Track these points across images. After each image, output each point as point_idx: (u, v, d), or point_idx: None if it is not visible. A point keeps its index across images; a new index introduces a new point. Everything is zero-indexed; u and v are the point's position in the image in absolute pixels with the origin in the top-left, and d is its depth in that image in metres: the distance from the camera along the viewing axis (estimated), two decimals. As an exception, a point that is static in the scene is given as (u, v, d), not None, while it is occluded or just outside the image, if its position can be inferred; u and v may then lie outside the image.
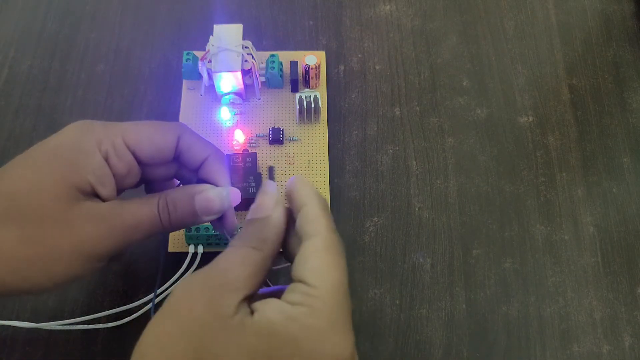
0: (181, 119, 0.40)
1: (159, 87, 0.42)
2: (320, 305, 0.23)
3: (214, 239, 0.35)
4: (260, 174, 0.37)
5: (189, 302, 0.23)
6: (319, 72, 0.41)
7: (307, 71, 0.40)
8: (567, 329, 0.35)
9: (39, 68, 0.42)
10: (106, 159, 0.27)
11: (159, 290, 0.34)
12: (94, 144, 0.27)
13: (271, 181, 0.29)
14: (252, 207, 0.27)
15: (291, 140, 0.40)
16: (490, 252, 0.37)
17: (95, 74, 0.42)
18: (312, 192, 0.27)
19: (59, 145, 0.27)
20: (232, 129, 0.40)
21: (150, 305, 0.34)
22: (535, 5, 0.46)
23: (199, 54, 0.41)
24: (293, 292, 0.23)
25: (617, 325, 0.35)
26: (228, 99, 0.40)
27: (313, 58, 0.40)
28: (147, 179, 0.30)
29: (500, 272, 0.37)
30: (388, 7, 0.46)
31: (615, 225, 0.38)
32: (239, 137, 0.39)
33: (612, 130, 0.41)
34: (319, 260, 0.24)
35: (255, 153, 0.38)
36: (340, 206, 0.38)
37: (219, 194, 0.29)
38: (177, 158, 0.30)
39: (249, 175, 0.37)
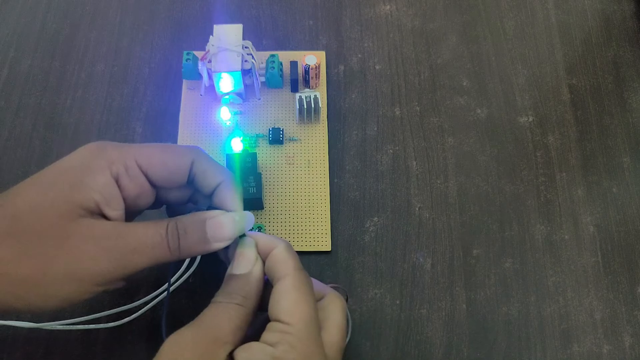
0: (181, 119, 0.40)
1: (159, 87, 0.42)
2: (296, 341, 0.25)
3: None
4: (260, 174, 0.37)
5: (181, 357, 0.24)
6: (319, 72, 0.41)
7: (307, 71, 0.40)
8: (567, 329, 0.35)
9: (39, 68, 0.42)
10: (117, 180, 0.27)
11: (158, 291, 0.34)
12: (104, 164, 0.27)
13: (249, 237, 0.29)
14: (233, 263, 0.28)
15: (291, 140, 0.40)
16: (490, 252, 0.37)
17: (95, 74, 0.42)
18: (274, 236, 0.29)
19: (69, 166, 0.27)
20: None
21: (154, 302, 0.34)
22: (535, 5, 0.46)
23: (199, 54, 0.41)
24: (271, 332, 0.25)
25: (617, 325, 0.35)
26: (228, 99, 0.40)
27: (313, 58, 0.40)
28: (163, 201, 0.30)
29: (500, 272, 0.37)
30: (388, 7, 0.46)
31: (615, 225, 0.38)
32: (236, 146, 0.39)
33: (612, 130, 0.41)
34: (290, 298, 0.26)
35: (255, 153, 0.38)
36: (340, 206, 0.38)
37: (231, 219, 0.28)
38: (191, 182, 0.29)
39: (249, 175, 0.37)
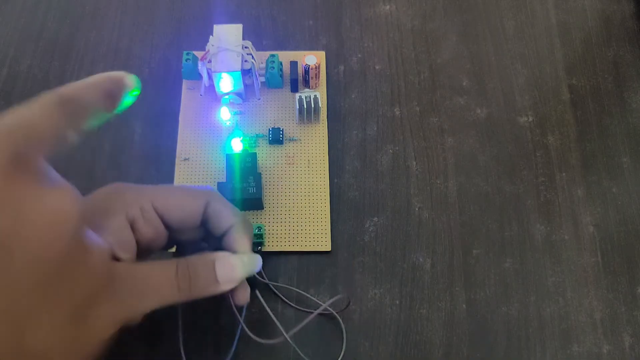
0: (181, 119, 0.40)
1: (159, 87, 0.42)
2: None
3: None
4: (260, 174, 0.37)
5: None
6: (319, 72, 0.41)
7: (307, 71, 0.40)
8: (567, 329, 0.35)
9: (39, 68, 0.42)
10: (132, 223, 0.27)
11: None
12: (120, 207, 0.27)
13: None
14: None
15: (291, 140, 0.40)
16: (490, 252, 0.37)
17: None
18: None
19: (87, 208, 0.26)
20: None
21: None
22: (535, 5, 0.46)
23: (198, 54, 0.41)
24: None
25: (617, 325, 0.35)
26: (228, 99, 0.40)
27: (313, 58, 0.40)
28: (175, 242, 0.30)
29: (500, 272, 0.37)
30: (388, 7, 0.46)
31: (615, 225, 0.38)
32: (236, 146, 0.39)
33: (612, 130, 0.41)
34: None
35: (255, 153, 0.38)
36: (340, 206, 0.38)
37: (240, 260, 0.28)
38: (204, 223, 0.29)
39: (249, 175, 0.37)
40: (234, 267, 0.28)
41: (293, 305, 0.35)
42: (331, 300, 0.33)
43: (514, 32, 0.45)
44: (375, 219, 0.38)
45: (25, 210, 0.20)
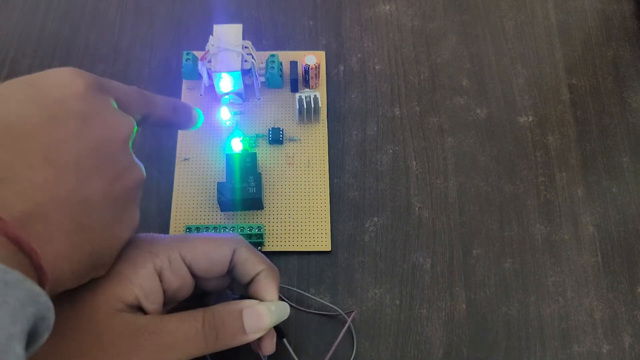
0: (181, 119, 0.40)
1: (159, 87, 0.42)
2: None
3: None
4: (260, 174, 0.37)
5: None
6: (319, 72, 0.41)
7: (306, 71, 0.40)
8: (567, 329, 0.35)
9: (39, 68, 0.42)
10: (160, 273, 0.27)
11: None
12: (147, 257, 0.26)
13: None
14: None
15: (291, 140, 0.40)
16: (490, 252, 0.37)
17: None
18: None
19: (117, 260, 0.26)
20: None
21: None
22: (535, 5, 0.46)
23: (198, 54, 0.41)
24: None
25: (617, 325, 0.35)
26: (228, 99, 0.40)
27: (313, 58, 0.40)
28: (201, 291, 0.30)
29: (500, 272, 0.37)
30: (388, 7, 0.46)
31: (615, 225, 0.38)
32: (236, 146, 0.39)
33: (612, 130, 0.41)
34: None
35: (255, 153, 0.38)
36: (340, 206, 0.38)
37: (268, 309, 0.28)
38: (230, 270, 0.29)
39: (249, 175, 0.37)
40: (262, 316, 0.27)
41: (294, 305, 0.35)
42: (350, 314, 0.33)
43: (514, 32, 0.45)
44: (375, 219, 0.38)
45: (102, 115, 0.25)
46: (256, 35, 0.44)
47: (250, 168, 0.37)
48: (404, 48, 0.44)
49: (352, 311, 0.35)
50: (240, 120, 0.40)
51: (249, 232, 0.36)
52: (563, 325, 0.35)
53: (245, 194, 0.36)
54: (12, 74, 0.42)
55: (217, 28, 0.39)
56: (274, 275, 0.30)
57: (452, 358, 0.34)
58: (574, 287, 0.36)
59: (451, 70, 0.43)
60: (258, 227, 0.37)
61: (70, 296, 0.25)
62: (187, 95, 0.41)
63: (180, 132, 0.40)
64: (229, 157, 0.37)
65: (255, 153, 0.38)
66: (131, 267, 0.26)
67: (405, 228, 0.38)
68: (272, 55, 0.41)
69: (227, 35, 0.38)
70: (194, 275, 0.28)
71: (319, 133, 0.40)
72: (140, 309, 0.26)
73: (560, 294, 0.36)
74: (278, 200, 0.38)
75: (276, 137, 0.39)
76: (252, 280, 0.29)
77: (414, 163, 0.40)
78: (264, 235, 0.37)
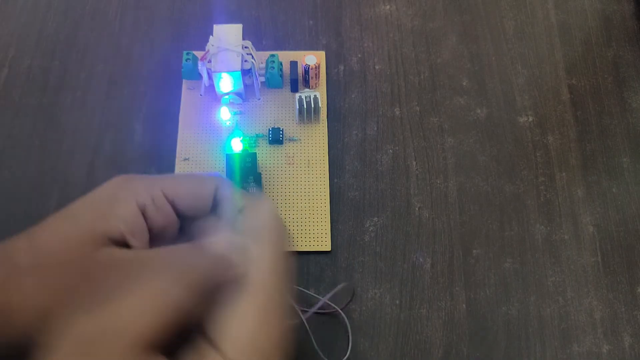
0: (181, 119, 0.40)
1: (159, 87, 0.42)
2: None
3: None
4: (260, 174, 0.37)
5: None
6: (319, 72, 0.41)
7: (306, 71, 0.40)
8: (567, 329, 0.35)
9: (39, 68, 0.42)
10: (143, 210, 0.27)
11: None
12: (130, 195, 0.27)
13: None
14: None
15: (291, 140, 0.40)
16: (490, 252, 0.37)
17: (95, 74, 0.42)
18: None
19: (96, 198, 0.27)
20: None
21: None
22: (535, 5, 0.46)
23: (198, 54, 0.41)
24: None
25: (617, 325, 0.35)
26: (228, 99, 0.40)
27: (313, 58, 0.40)
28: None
29: (500, 272, 0.37)
30: (388, 7, 0.46)
31: (615, 225, 0.38)
32: (236, 146, 0.39)
33: (612, 130, 0.41)
34: (246, 326, 0.23)
35: (255, 153, 0.38)
36: (340, 206, 0.38)
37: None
38: (213, 209, 0.29)
39: (249, 175, 0.37)
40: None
41: (294, 305, 0.35)
42: (339, 287, 0.33)
43: (514, 32, 0.45)
44: (375, 219, 0.38)
45: None
46: (256, 35, 0.44)
47: (250, 168, 0.37)
48: (404, 48, 0.44)
49: (353, 294, 0.35)
50: (240, 120, 0.40)
51: (249, 232, 0.36)
52: (563, 325, 0.35)
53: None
54: (12, 74, 0.42)
55: (217, 28, 0.39)
56: (260, 208, 0.29)
57: (452, 358, 0.34)
58: (574, 287, 0.36)
59: (451, 70, 0.43)
60: (258, 227, 0.37)
61: (56, 236, 0.25)
62: (187, 95, 0.41)
63: (180, 132, 0.40)
64: (229, 157, 0.37)
65: (255, 153, 0.38)
66: (115, 203, 0.26)
67: (405, 228, 0.38)
68: (272, 55, 0.41)
69: (227, 35, 0.38)
70: (178, 214, 0.28)
71: (319, 133, 0.40)
72: (126, 246, 0.26)
73: (560, 293, 0.36)
74: (278, 200, 0.38)
75: (276, 137, 0.39)
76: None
77: (414, 163, 0.40)
78: (264, 235, 0.37)
